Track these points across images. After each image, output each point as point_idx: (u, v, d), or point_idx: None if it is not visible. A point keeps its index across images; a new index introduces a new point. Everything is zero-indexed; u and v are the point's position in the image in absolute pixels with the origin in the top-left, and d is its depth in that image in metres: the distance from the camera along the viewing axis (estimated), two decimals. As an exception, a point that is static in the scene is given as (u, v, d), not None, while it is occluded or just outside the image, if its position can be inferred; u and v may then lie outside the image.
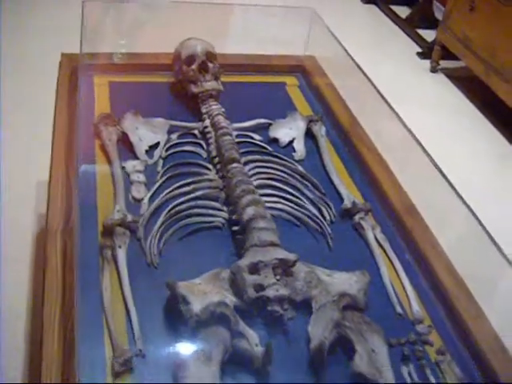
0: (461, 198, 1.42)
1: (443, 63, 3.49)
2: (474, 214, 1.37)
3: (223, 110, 1.70)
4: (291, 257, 1.24)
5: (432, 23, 3.77)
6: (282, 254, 1.24)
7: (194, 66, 1.75)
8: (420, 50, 3.64)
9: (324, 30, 2.03)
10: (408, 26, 3.88)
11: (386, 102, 1.75)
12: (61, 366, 1.09)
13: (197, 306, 1.13)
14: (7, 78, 2.84)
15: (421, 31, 3.84)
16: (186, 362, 1.06)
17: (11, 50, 3.02)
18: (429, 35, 3.73)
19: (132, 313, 1.17)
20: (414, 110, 3.06)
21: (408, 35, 3.83)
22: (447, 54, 3.40)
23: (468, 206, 1.39)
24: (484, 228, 1.34)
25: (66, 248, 1.28)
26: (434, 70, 3.46)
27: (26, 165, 2.40)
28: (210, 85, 1.74)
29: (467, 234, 1.49)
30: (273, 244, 1.27)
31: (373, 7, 4.20)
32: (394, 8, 4.11)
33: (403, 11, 4.05)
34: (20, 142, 2.55)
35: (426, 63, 3.52)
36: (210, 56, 1.78)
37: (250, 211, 1.33)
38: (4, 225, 2.12)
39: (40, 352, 1.11)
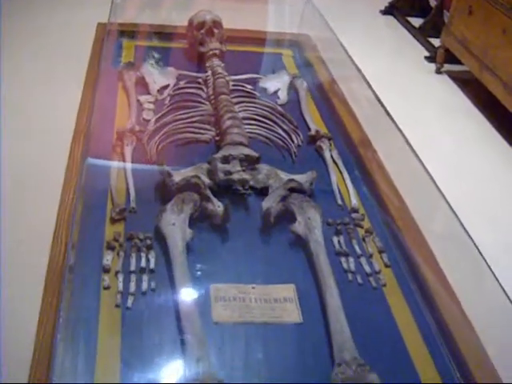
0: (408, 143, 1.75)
1: (448, 66, 3.82)
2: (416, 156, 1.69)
3: (223, 65, 2.10)
4: (255, 154, 1.61)
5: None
6: (248, 151, 1.62)
7: (202, 31, 2.16)
8: (428, 55, 3.97)
9: (317, 14, 2.43)
10: (420, 34, 4.23)
11: (359, 70, 2.11)
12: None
13: (177, 177, 1.51)
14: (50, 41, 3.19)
15: (432, 39, 4.18)
16: (163, 211, 1.43)
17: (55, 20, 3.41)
18: (439, 42, 4.06)
19: (130, 184, 1.56)
20: (416, 103, 3.41)
21: (419, 42, 4.18)
22: (452, 59, 3.73)
23: (413, 151, 1.71)
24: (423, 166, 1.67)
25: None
26: (438, 72, 3.78)
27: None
28: (214, 45, 2.15)
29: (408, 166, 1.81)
30: (242, 144, 1.64)
31: (390, 18, 4.59)
32: (410, 19, 4.48)
33: (417, 21, 4.42)
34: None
35: (432, 66, 3.86)
36: (216, 24, 2.19)
37: (228, 122, 1.72)
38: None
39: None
